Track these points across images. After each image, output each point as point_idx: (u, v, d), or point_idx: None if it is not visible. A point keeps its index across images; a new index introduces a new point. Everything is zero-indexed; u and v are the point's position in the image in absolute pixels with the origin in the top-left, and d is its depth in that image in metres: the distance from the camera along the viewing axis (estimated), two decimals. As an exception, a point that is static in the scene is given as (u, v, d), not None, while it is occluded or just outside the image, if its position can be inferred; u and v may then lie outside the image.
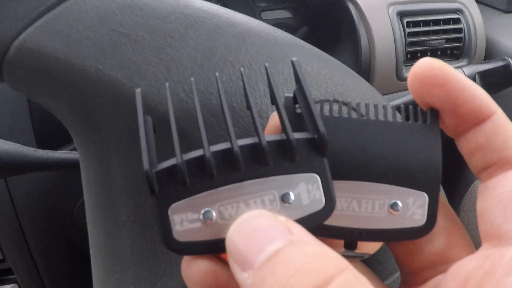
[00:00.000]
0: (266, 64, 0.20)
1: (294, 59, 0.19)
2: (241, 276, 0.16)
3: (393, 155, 0.20)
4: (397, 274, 0.27)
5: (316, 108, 0.18)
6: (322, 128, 0.17)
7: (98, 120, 0.24)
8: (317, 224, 0.18)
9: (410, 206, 0.20)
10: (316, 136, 0.18)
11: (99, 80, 0.22)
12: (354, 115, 0.20)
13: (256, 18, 0.74)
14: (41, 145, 0.57)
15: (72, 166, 0.44)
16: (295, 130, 0.18)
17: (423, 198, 0.20)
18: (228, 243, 0.17)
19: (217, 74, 0.19)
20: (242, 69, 0.20)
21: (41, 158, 0.43)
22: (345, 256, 0.21)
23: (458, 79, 0.19)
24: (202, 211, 0.17)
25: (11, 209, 0.57)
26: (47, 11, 0.22)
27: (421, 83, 0.19)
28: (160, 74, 0.23)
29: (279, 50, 0.25)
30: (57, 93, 0.24)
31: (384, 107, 0.20)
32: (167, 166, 0.17)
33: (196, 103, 0.19)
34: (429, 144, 0.20)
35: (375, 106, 0.20)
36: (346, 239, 0.21)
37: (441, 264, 0.20)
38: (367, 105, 0.20)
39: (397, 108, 0.21)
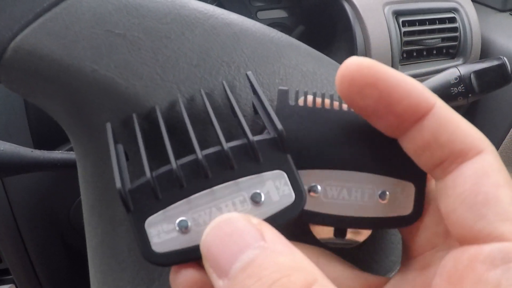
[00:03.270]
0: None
1: (248, 72, 0.21)
2: (217, 283, 0.16)
3: (382, 146, 0.20)
4: (393, 273, 0.27)
5: (271, 108, 0.19)
6: (279, 126, 0.18)
7: (94, 121, 0.24)
8: (291, 218, 0.18)
9: (398, 196, 0.21)
10: (276, 135, 0.18)
11: (95, 81, 0.22)
12: (345, 108, 0.21)
13: (252, 17, 0.74)
14: (37, 145, 0.57)
15: (69, 167, 0.44)
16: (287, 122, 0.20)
17: (410, 188, 0.21)
18: (203, 249, 0.17)
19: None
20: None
21: (38, 158, 0.43)
22: (335, 244, 0.22)
23: (389, 76, 0.18)
24: (177, 221, 0.18)
25: (8, 210, 0.57)
26: (43, 12, 0.22)
27: (350, 85, 0.18)
28: (156, 75, 0.23)
29: (274, 50, 0.25)
30: (54, 94, 0.24)
31: None
32: (139, 184, 0.18)
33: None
34: None
35: None
36: (337, 227, 0.21)
37: (442, 249, 0.20)
38: None
39: None
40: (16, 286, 0.63)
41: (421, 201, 0.21)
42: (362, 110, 0.19)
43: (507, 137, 0.76)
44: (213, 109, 0.22)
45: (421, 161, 0.19)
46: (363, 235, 0.22)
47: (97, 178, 0.25)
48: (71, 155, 0.44)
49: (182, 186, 0.18)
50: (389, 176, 0.20)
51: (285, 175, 0.18)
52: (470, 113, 0.82)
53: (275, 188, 0.18)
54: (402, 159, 0.20)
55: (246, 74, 0.21)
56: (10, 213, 0.57)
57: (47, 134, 0.57)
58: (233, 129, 0.23)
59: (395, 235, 0.26)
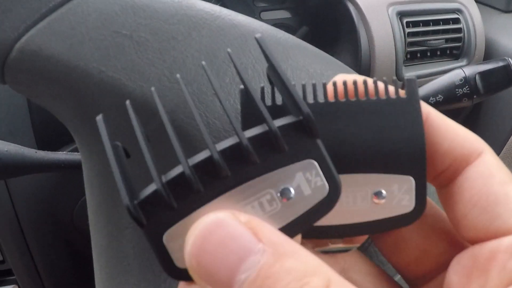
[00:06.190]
0: (229, 50, 0.18)
1: (257, 35, 0.17)
2: None
3: (371, 140, 0.18)
4: (399, 277, 0.27)
5: (294, 87, 0.16)
6: (305, 108, 0.15)
7: None
8: (326, 213, 0.16)
9: (396, 193, 0.19)
10: (301, 117, 0.16)
11: (102, 82, 0.22)
12: (326, 99, 0.18)
13: (256, 18, 0.73)
14: (41, 146, 0.57)
15: (73, 167, 0.44)
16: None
17: (410, 182, 0.19)
18: (189, 262, 0.15)
19: (179, 76, 0.17)
20: (203, 62, 0.17)
21: (42, 159, 0.42)
22: (330, 252, 0.20)
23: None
24: None
25: (11, 210, 0.57)
26: (49, 12, 0.22)
27: None
28: (163, 76, 0.23)
29: (282, 51, 0.25)
30: (60, 95, 0.24)
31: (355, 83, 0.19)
32: (149, 193, 0.15)
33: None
34: (409, 120, 0.18)
35: (344, 84, 0.19)
36: (331, 237, 0.20)
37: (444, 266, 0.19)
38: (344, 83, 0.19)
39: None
40: (19, 286, 0.63)
41: (423, 194, 0.19)
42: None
43: (511, 138, 0.76)
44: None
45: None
46: (360, 239, 0.21)
47: (103, 180, 0.25)
48: (75, 155, 0.44)
49: (199, 191, 0.15)
50: (383, 172, 0.18)
51: (316, 164, 0.16)
52: (473, 114, 0.82)
53: (306, 180, 0.16)
54: (395, 151, 0.18)
55: (255, 38, 0.17)
56: (13, 213, 0.57)
57: (50, 135, 0.57)
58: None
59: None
